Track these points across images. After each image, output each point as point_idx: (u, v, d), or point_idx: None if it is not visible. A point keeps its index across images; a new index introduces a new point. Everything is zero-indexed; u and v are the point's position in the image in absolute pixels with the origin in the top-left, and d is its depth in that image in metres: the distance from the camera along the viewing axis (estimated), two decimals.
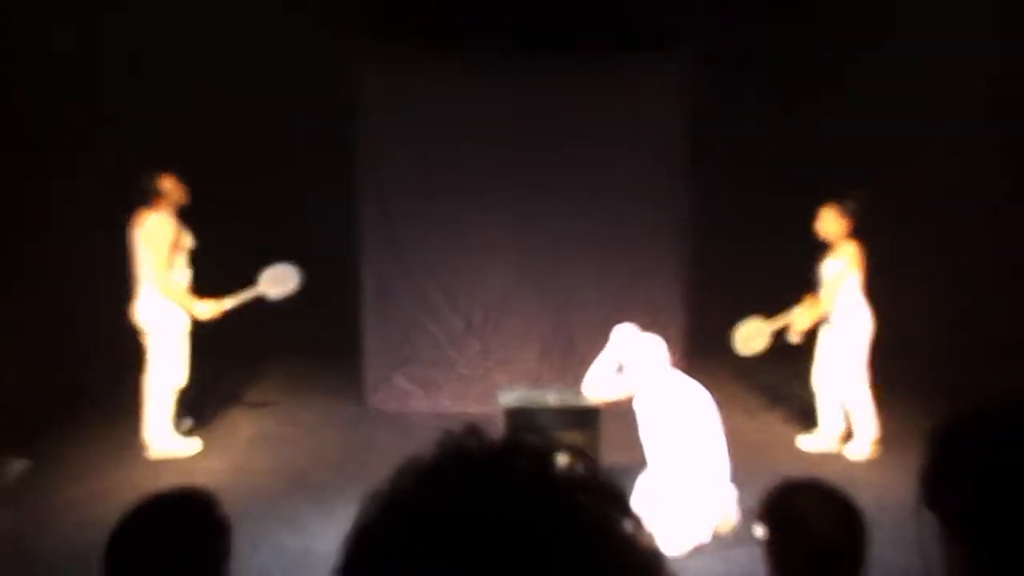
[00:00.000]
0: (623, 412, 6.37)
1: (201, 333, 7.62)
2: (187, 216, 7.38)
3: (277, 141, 9.66)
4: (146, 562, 2.13)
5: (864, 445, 7.33)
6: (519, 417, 6.55)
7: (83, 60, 7.74)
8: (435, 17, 8.56)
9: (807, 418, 7.79)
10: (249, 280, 7.43)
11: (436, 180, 8.59)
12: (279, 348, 10.12)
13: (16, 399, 6.79)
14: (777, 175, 9.34)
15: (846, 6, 8.66)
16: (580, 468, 0.77)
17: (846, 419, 7.43)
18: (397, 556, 0.73)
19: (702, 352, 8.60)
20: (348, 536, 0.78)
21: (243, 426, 8.19)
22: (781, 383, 8.77)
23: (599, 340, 7.58)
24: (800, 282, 7.52)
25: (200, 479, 6.33)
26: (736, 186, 9.53)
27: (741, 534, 5.65)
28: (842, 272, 7.18)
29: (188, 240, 7.33)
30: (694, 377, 6.22)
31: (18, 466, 4.28)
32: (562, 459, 0.77)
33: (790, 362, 7.99)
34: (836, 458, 7.27)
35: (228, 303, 7.29)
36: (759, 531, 2.49)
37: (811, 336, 7.47)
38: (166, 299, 7.13)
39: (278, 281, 7.42)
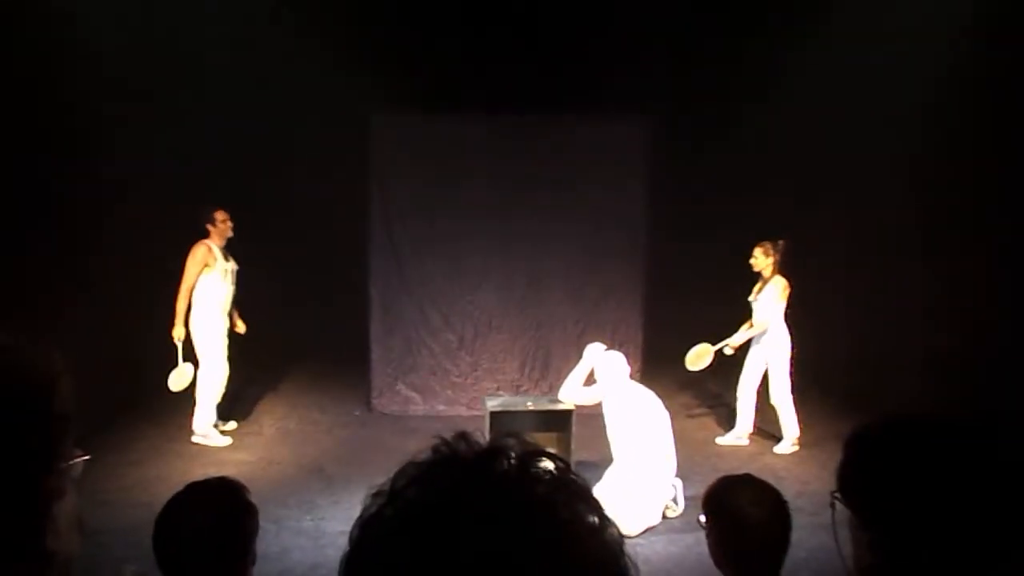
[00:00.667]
0: (591, 416, 6.39)
1: (237, 345, 7.61)
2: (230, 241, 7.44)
3: (302, 177, 9.68)
4: (188, 538, 2.13)
5: (789, 443, 7.36)
6: (502, 419, 6.53)
7: (142, 105, 7.72)
8: (437, 79, 8.63)
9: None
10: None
11: (435, 214, 8.57)
12: (298, 358, 10.07)
13: (78, 399, 6.72)
14: (722, 215, 9.39)
15: (783, 77, 8.73)
16: (554, 468, 0.77)
17: (761, 421, 7.52)
18: (397, 545, 0.73)
19: (656, 366, 8.62)
20: (353, 527, 0.78)
21: (268, 425, 8.13)
22: (721, 392, 8.79)
23: (572, 354, 7.60)
24: (738, 307, 7.56)
25: (232, 469, 6.30)
26: (688, 224, 9.58)
27: (687, 519, 5.66)
28: (772, 302, 7.25)
29: (229, 264, 7.36)
30: (649, 387, 6.25)
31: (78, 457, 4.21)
32: (539, 460, 0.77)
33: (728, 376, 8.01)
34: (764, 455, 7.27)
35: (180, 333, 7.18)
36: (702, 518, 2.51)
37: (741, 353, 7.51)
38: (201, 297, 7.20)
39: (179, 378, 7.31)
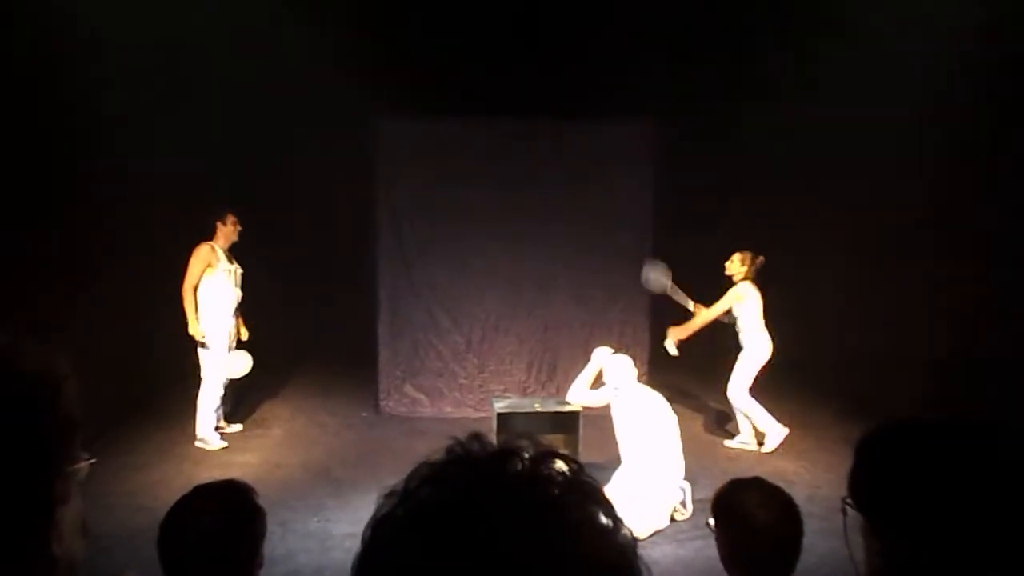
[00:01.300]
0: (599, 417, 6.40)
1: (243, 348, 7.63)
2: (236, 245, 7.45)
3: (308, 180, 9.71)
4: (195, 541, 2.13)
5: (773, 439, 7.42)
6: (510, 420, 6.55)
7: (153, 115, 7.76)
8: (442, 83, 8.64)
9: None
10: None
11: (441, 217, 8.60)
12: (306, 360, 10.08)
13: (82, 401, 6.74)
14: (728, 216, 9.38)
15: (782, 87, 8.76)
16: (566, 469, 0.77)
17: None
18: (410, 545, 0.73)
19: (663, 368, 8.60)
20: (367, 527, 0.78)
21: (275, 427, 8.14)
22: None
23: (579, 356, 7.61)
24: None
25: (238, 471, 6.30)
26: (694, 225, 9.58)
27: (695, 523, 5.66)
28: (730, 303, 7.37)
29: (233, 266, 7.37)
30: (656, 389, 6.26)
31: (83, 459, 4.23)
32: (552, 462, 0.77)
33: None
34: (774, 458, 7.26)
35: (197, 331, 7.21)
36: (711, 522, 2.50)
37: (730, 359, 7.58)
38: (206, 299, 7.20)
39: (234, 364, 7.39)
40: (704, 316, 7.44)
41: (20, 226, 6.11)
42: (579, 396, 6.30)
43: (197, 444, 7.30)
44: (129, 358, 7.55)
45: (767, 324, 7.47)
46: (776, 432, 7.41)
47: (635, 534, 0.78)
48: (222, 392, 7.44)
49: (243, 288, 7.49)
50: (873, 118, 7.92)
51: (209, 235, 7.30)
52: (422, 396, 8.73)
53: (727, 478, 2.61)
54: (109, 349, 6.96)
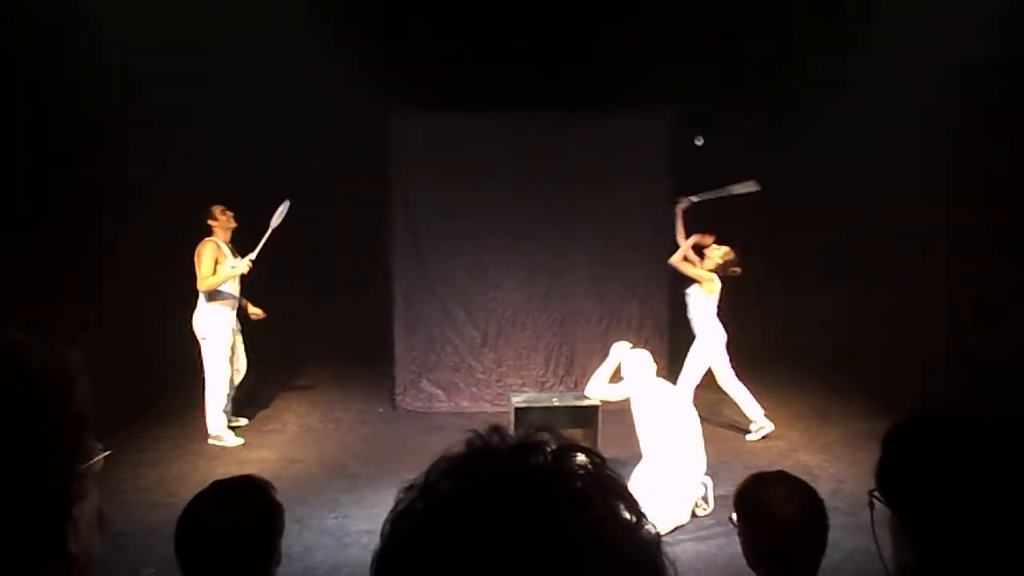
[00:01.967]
0: (618, 411, 6.39)
1: (256, 343, 7.66)
2: (241, 239, 7.47)
3: (323, 175, 9.74)
4: (213, 538, 2.13)
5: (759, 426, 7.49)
6: (528, 415, 6.55)
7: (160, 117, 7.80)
8: (456, 76, 8.63)
9: (771, 420, 7.72)
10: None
11: (457, 211, 8.60)
12: (321, 355, 10.12)
13: (95, 398, 6.79)
14: (747, 208, 9.33)
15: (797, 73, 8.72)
16: (588, 463, 0.77)
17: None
18: (431, 539, 0.73)
19: (682, 362, 8.56)
20: (386, 522, 0.77)
21: (290, 422, 8.17)
22: (753, 389, 8.73)
23: (596, 350, 7.61)
24: (767, 300, 7.53)
25: (253, 468, 6.33)
26: (712, 218, 9.53)
27: (717, 518, 5.64)
28: (695, 274, 7.49)
29: (238, 260, 7.38)
30: (676, 384, 6.25)
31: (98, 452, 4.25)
32: (574, 455, 0.77)
33: (755, 370, 7.97)
34: (797, 451, 7.22)
35: (253, 254, 7.30)
36: (734, 516, 2.48)
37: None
38: (208, 296, 7.23)
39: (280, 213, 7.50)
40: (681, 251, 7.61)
41: (30, 226, 6.16)
42: (597, 390, 6.30)
43: (211, 442, 7.33)
44: (142, 355, 7.60)
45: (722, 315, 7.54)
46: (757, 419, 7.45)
47: (657, 529, 0.78)
48: (227, 389, 7.46)
49: (256, 284, 7.51)
50: (899, 113, 7.85)
51: (209, 233, 7.33)
52: (438, 391, 8.74)
53: (749, 472, 2.60)
54: (122, 346, 7.01)
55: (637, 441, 5.94)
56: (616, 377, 6.25)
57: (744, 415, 7.59)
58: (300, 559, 5.12)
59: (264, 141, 9.17)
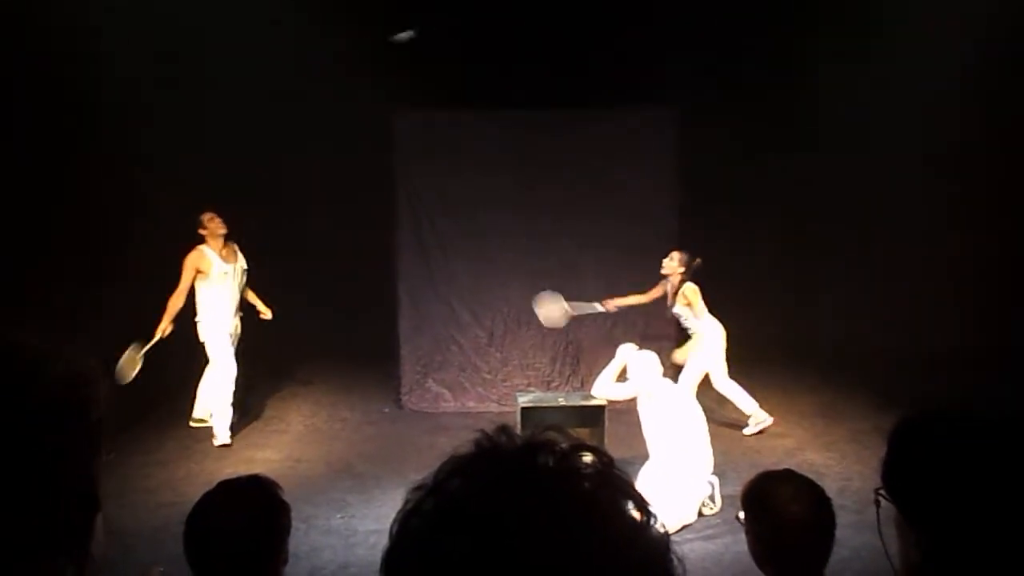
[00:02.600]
0: (624, 411, 6.40)
1: (261, 342, 7.68)
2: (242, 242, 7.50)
3: (328, 174, 9.75)
4: (221, 537, 2.14)
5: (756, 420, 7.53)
6: (534, 415, 6.56)
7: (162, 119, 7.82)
8: (461, 75, 8.63)
9: (776, 418, 7.72)
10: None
11: (462, 211, 8.62)
12: (326, 355, 10.13)
13: (106, 401, 6.80)
14: (756, 208, 9.36)
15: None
16: (597, 463, 0.77)
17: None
18: (440, 539, 0.74)
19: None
20: (395, 521, 0.78)
21: (296, 422, 8.19)
22: (758, 388, 8.73)
23: (602, 350, 7.60)
24: (773, 301, 7.53)
25: (259, 467, 6.35)
26: (721, 217, 9.54)
27: (724, 517, 5.65)
28: (691, 308, 7.44)
29: (230, 266, 7.39)
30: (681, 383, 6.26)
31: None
32: (582, 455, 0.77)
33: (769, 367, 7.99)
34: (804, 450, 7.22)
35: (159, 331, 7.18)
36: (741, 515, 2.49)
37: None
38: (203, 302, 7.30)
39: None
40: (698, 333, 7.54)
41: (43, 224, 6.18)
42: (604, 390, 6.31)
43: (216, 444, 7.34)
44: (148, 356, 7.62)
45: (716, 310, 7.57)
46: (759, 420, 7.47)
47: (665, 529, 0.78)
48: (233, 388, 7.47)
49: (260, 283, 7.52)
50: (914, 104, 7.83)
51: (201, 241, 7.36)
52: (444, 391, 8.75)
53: (756, 471, 2.60)
54: (130, 345, 7.03)
55: (643, 441, 5.95)
56: (622, 378, 6.26)
57: (742, 412, 7.60)
58: (307, 559, 5.14)
59: (264, 142, 9.15)
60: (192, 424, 7.64)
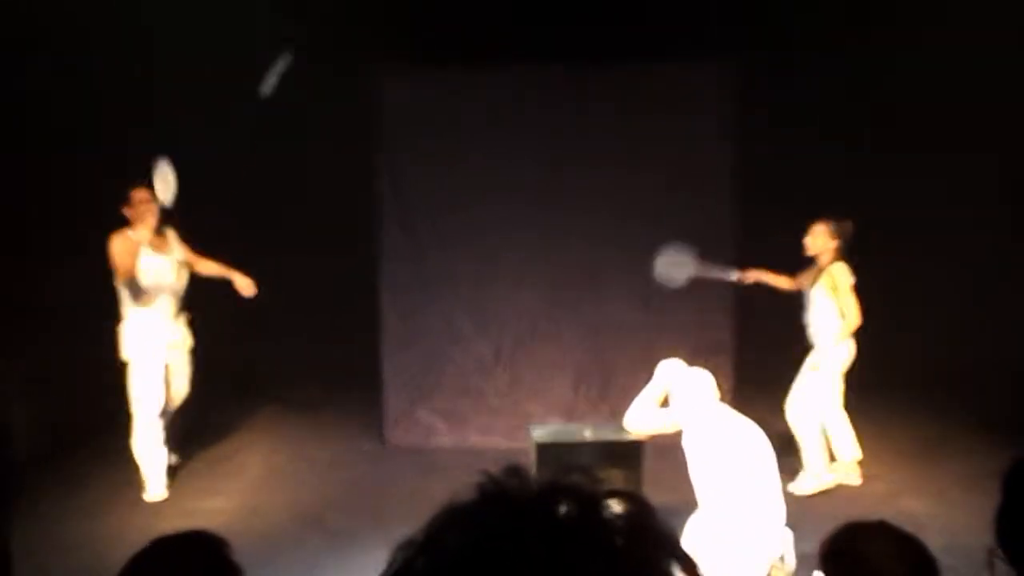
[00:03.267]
0: (668, 447, 6.38)
1: (203, 357, 7.70)
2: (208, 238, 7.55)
3: (294, 160, 9.78)
4: None
5: (851, 470, 7.49)
6: (552, 453, 6.56)
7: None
8: (455, 28, 8.63)
9: (867, 457, 7.69)
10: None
11: (462, 197, 8.66)
12: (291, 377, 10.15)
13: (13, 439, 6.86)
14: (828, 181, 9.34)
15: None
16: (632, 513, 0.78)
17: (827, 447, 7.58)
18: None
19: (753, 384, 8.56)
20: None
21: (253, 463, 8.22)
22: None
23: (639, 369, 7.56)
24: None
25: (206, 520, 6.36)
26: (789, 195, 9.53)
27: None
28: (830, 297, 7.37)
29: (167, 257, 7.36)
30: (744, 412, 6.22)
31: None
32: (611, 503, 0.77)
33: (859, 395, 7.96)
34: (899, 496, 7.20)
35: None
36: None
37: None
38: (135, 302, 7.25)
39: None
40: (822, 329, 7.46)
41: None
42: (640, 421, 6.28)
43: (146, 498, 7.32)
44: (73, 383, 7.67)
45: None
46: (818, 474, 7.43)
47: None
48: (162, 420, 7.43)
49: (214, 289, 7.53)
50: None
51: (124, 225, 7.21)
52: (439, 422, 8.78)
53: (840, 523, 2.59)
54: (51, 373, 7.11)
55: (691, 485, 5.94)
56: (665, 404, 6.23)
57: (810, 455, 7.58)
58: None
59: (207, 114, 9.16)
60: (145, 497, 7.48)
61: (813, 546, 2.91)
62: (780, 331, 8.16)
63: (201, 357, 7.79)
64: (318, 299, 10.08)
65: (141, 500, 7.26)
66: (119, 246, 7.16)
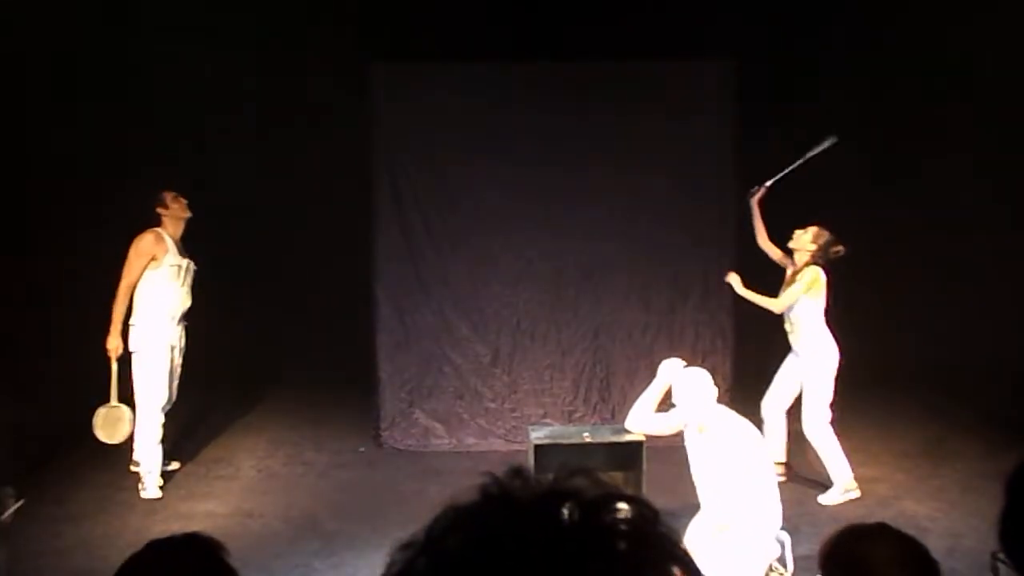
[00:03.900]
0: (669, 449, 6.38)
1: (198, 359, 7.70)
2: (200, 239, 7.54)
3: (289, 160, 9.78)
4: None
5: (840, 490, 7.27)
6: (551, 455, 6.55)
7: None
8: (455, 28, 8.63)
9: (868, 459, 7.69)
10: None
11: (459, 195, 8.65)
12: (286, 379, 10.15)
13: (7, 436, 6.86)
14: (831, 180, 9.35)
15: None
16: (635, 516, 0.77)
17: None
18: None
19: (751, 385, 8.54)
20: None
21: (246, 466, 8.20)
22: (845, 421, 8.71)
23: (640, 369, 7.61)
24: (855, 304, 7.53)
25: (200, 524, 6.35)
26: (780, 196, 9.55)
27: None
28: (797, 293, 7.30)
29: (185, 261, 7.45)
30: (742, 413, 6.22)
31: (10, 502, 4.32)
32: (616, 506, 0.77)
33: (859, 395, 7.97)
34: (900, 499, 7.20)
35: (114, 344, 7.25)
36: None
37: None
38: (143, 302, 7.29)
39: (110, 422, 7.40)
40: (767, 302, 7.47)
41: None
42: (641, 422, 6.29)
43: (143, 496, 7.35)
44: (67, 383, 7.65)
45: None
46: (846, 483, 7.31)
47: None
48: (163, 420, 7.47)
49: (201, 290, 7.54)
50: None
51: (156, 223, 7.38)
52: (436, 424, 8.76)
53: (839, 525, 2.58)
54: (45, 373, 7.09)
55: (692, 487, 5.94)
56: (666, 404, 6.23)
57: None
58: None
59: (203, 110, 9.17)
60: (133, 469, 7.52)
61: (813, 549, 2.91)
62: (779, 331, 8.16)
63: (197, 360, 7.79)
64: (316, 300, 10.08)
65: (136, 503, 7.25)
66: (144, 243, 7.26)
